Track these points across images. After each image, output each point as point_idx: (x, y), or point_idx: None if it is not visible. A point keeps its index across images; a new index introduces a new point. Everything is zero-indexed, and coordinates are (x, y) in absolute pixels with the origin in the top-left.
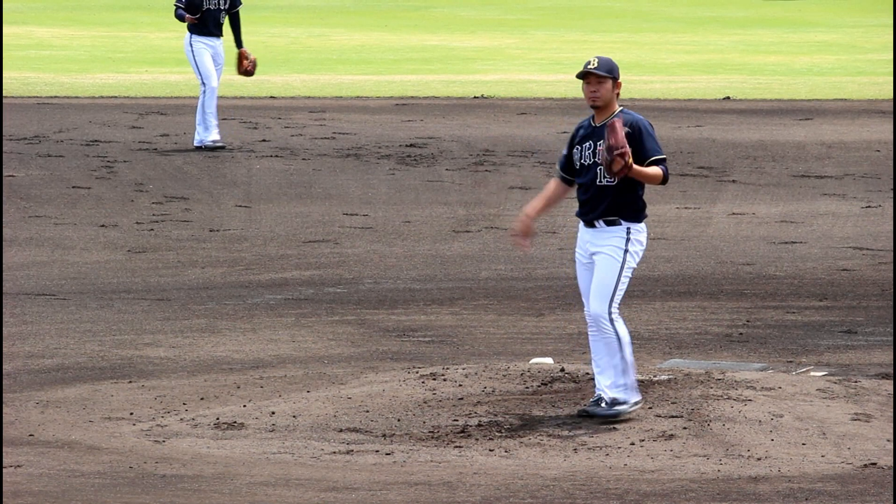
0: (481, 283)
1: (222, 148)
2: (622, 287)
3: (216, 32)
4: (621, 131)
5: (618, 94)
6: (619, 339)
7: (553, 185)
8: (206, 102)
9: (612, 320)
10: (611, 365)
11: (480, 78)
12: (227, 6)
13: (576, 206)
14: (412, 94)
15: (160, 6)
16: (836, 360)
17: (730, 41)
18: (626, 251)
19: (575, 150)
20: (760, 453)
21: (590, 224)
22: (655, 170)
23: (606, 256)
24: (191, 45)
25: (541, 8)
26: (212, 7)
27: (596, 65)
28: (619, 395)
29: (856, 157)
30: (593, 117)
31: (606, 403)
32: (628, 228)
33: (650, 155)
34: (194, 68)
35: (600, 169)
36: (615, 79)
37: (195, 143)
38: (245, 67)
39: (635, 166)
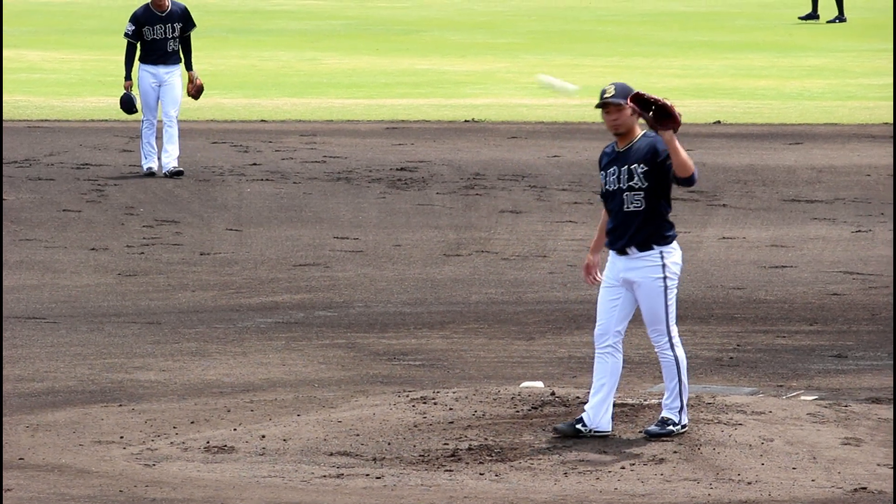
0: (472, 307)
1: (152, 175)
2: (672, 311)
3: (164, 60)
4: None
5: (638, 118)
6: (677, 363)
7: (604, 216)
8: (144, 133)
9: (672, 346)
10: (667, 386)
11: (471, 102)
12: (177, 33)
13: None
14: (403, 118)
15: None
16: (827, 384)
17: (720, 65)
18: (664, 277)
19: (601, 176)
20: (751, 477)
21: (622, 252)
22: (691, 163)
23: (647, 286)
24: (139, 73)
25: (531, 32)
26: (157, 37)
27: (613, 93)
28: (673, 417)
29: (846, 182)
30: (616, 143)
31: (659, 422)
32: (661, 252)
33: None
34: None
35: (626, 195)
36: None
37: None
38: (188, 91)
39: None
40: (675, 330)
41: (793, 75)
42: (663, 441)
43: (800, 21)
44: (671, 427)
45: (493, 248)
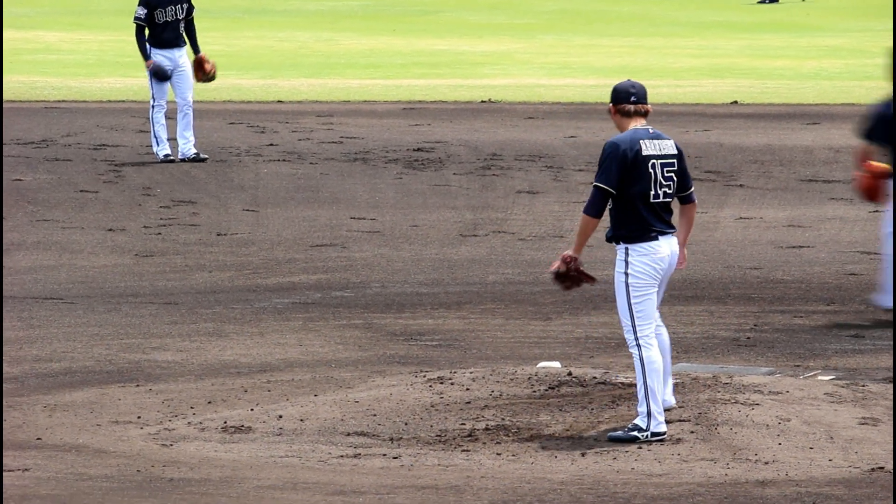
0: (489, 287)
1: (171, 161)
2: (638, 309)
3: (176, 43)
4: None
5: (621, 113)
6: (642, 364)
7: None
8: (154, 117)
9: (637, 345)
10: (637, 387)
11: (488, 82)
12: (185, 15)
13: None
14: (420, 99)
15: None
16: (844, 364)
17: (737, 45)
18: (626, 273)
19: None
20: (768, 457)
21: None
22: (580, 222)
23: (615, 280)
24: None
25: (548, 12)
26: (169, 19)
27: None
28: (640, 423)
29: None
30: None
31: (628, 427)
32: (626, 249)
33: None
34: (148, 82)
35: None
36: (610, 105)
37: (181, 157)
38: (206, 72)
39: (566, 254)
40: (644, 331)
41: (810, 55)
42: (681, 421)
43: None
44: (635, 433)
45: (510, 229)
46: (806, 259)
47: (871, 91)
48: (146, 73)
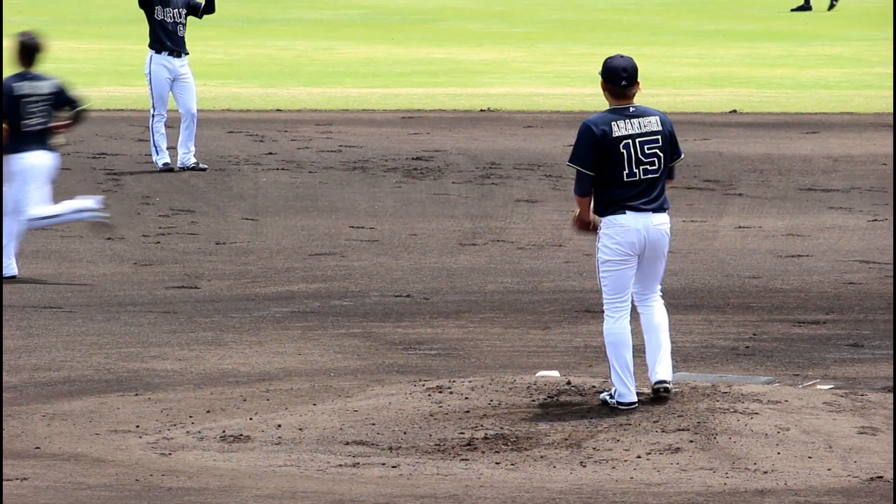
0: (487, 296)
1: (171, 170)
2: (605, 283)
3: (176, 51)
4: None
5: (611, 93)
6: (605, 336)
7: None
8: (154, 126)
9: (605, 316)
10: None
11: (487, 91)
12: (183, 19)
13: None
14: (419, 107)
15: None
16: (843, 373)
17: (736, 54)
18: (597, 247)
19: None
20: (767, 466)
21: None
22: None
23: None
24: (150, 64)
25: (547, 21)
26: (167, 19)
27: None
28: (609, 392)
29: (862, 171)
30: None
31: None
32: (601, 225)
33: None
34: (149, 90)
35: None
36: (602, 81)
37: (180, 165)
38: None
39: (576, 214)
40: (608, 303)
41: (809, 64)
42: (680, 430)
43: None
44: (606, 396)
45: (509, 238)
46: (805, 268)
47: (871, 100)
48: (147, 83)
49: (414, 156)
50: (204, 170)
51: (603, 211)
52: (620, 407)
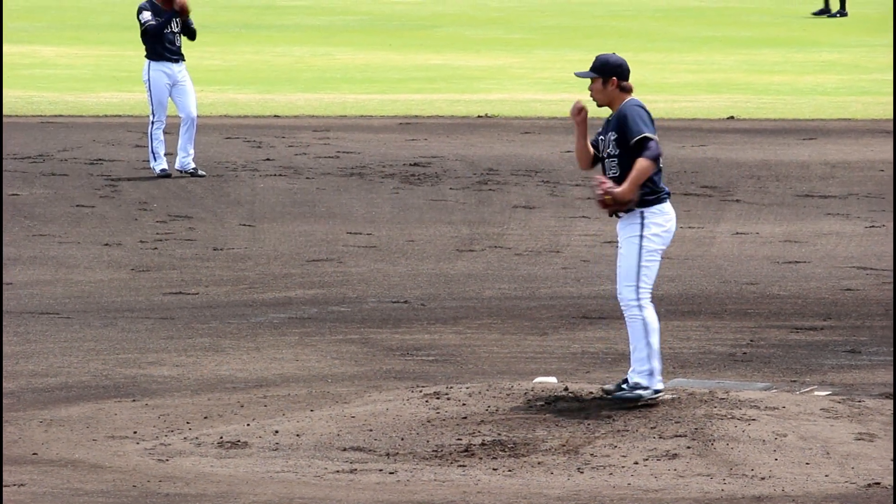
0: (485, 302)
1: (168, 176)
2: (646, 272)
3: (173, 57)
4: (597, 186)
5: (622, 89)
6: (645, 325)
7: (582, 147)
8: (153, 133)
9: (639, 306)
10: (633, 348)
11: (484, 97)
12: (179, 28)
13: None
14: (416, 113)
15: None
16: (840, 379)
17: (734, 60)
18: (641, 236)
19: (600, 140)
20: (764, 473)
21: (616, 215)
22: (637, 165)
23: (626, 243)
24: (148, 72)
25: (545, 27)
26: (165, 30)
27: (587, 69)
28: (642, 381)
29: (859, 177)
30: None
31: (629, 387)
32: (642, 213)
33: (632, 136)
34: (147, 98)
35: (607, 162)
36: (605, 77)
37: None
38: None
39: (620, 188)
40: (645, 293)
41: (806, 70)
42: (677, 436)
43: (813, 17)
44: (639, 392)
45: (507, 244)
46: (802, 274)
47: (868, 106)
48: (146, 90)
49: (411, 162)
50: (202, 176)
51: (653, 200)
52: (656, 396)
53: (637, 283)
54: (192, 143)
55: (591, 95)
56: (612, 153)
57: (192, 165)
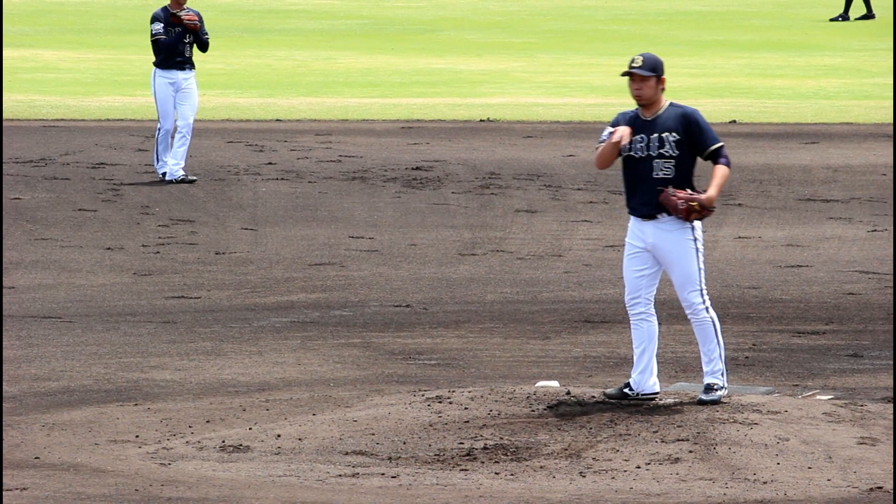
0: (487, 306)
1: (163, 179)
2: (703, 273)
3: (181, 65)
4: (670, 199)
5: (663, 90)
6: (714, 324)
7: (604, 152)
8: (160, 138)
9: (706, 308)
10: (705, 351)
11: (486, 101)
12: (190, 39)
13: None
14: (418, 117)
15: None
16: (842, 383)
17: (736, 64)
18: (695, 239)
19: (626, 143)
20: (766, 477)
21: (649, 217)
22: (721, 172)
23: (679, 250)
24: (154, 80)
25: (547, 31)
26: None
27: (640, 64)
28: (717, 381)
29: (862, 181)
30: (640, 111)
31: (706, 389)
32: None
33: (709, 145)
34: (156, 105)
35: (657, 163)
36: (659, 76)
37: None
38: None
39: (705, 196)
40: (706, 294)
41: (808, 74)
42: (679, 440)
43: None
44: (719, 392)
45: (509, 248)
46: (804, 278)
47: (870, 110)
48: (153, 97)
49: (413, 166)
50: (193, 181)
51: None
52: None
53: (700, 287)
54: (185, 152)
55: (640, 93)
56: (668, 154)
57: (181, 174)
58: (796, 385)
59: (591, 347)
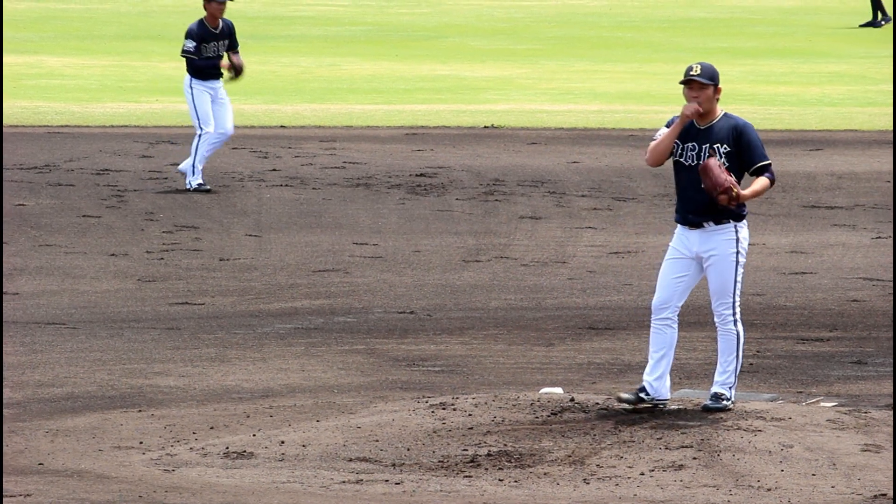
0: (491, 313)
1: (208, 191)
2: (740, 285)
3: (215, 76)
4: (715, 168)
5: (718, 99)
6: (738, 338)
7: (661, 144)
8: (199, 146)
9: (735, 321)
10: (722, 362)
11: (491, 108)
12: (223, 50)
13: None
14: (422, 124)
15: (171, 36)
16: (846, 390)
17: (739, 71)
18: (737, 252)
19: (676, 145)
20: (770, 484)
21: (696, 225)
22: (763, 181)
23: (721, 259)
24: (191, 87)
25: (551, 38)
26: (211, 54)
27: (698, 72)
28: (725, 392)
29: (866, 188)
30: (695, 119)
31: (714, 397)
32: (735, 226)
33: (756, 161)
34: (192, 112)
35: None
36: (716, 85)
37: (189, 186)
38: (234, 64)
39: (742, 192)
40: (738, 307)
41: (812, 81)
42: (683, 447)
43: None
44: (725, 403)
45: (513, 254)
46: (808, 285)
47: (874, 117)
48: (188, 104)
49: (418, 172)
50: (186, 191)
51: (739, 214)
52: (732, 405)
53: (733, 300)
54: (203, 160)
55: (695, 100)
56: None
57: (200, 181)
58: (800, 392)
59: (594, 354)
